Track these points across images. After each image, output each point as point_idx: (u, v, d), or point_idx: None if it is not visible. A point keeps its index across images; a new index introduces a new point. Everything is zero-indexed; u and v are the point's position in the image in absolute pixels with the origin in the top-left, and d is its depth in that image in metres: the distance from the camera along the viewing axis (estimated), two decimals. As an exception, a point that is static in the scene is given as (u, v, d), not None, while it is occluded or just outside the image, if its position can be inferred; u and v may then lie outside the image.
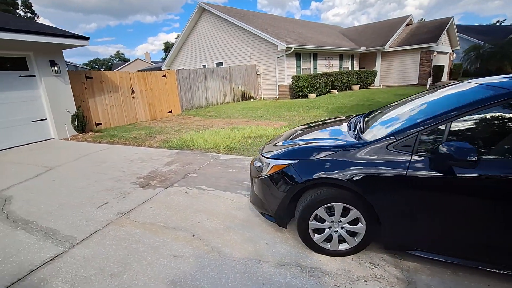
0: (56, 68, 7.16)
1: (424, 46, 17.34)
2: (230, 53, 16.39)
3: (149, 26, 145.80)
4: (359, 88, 16.87)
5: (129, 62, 48.37)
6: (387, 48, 17.90)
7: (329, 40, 17.49)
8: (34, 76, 7.02)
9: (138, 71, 11.03)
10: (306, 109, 10.44)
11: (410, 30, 19.87)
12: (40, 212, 3.30)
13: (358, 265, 2.24)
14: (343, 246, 2.31)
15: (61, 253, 2.49)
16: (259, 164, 2.78)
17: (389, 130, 2.19)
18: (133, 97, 9.91)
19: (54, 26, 7.50)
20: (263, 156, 2.68)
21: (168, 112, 11.35)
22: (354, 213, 2.18)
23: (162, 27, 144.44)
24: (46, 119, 7.33)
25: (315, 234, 2.32)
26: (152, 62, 49.15)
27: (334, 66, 17.24)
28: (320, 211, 2.23)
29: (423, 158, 1.92)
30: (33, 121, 7.08)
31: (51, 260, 2.40)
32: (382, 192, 2.02)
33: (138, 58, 49.21)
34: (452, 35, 20.90)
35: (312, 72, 15.39)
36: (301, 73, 14.59)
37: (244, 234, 2.70)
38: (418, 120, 2.04)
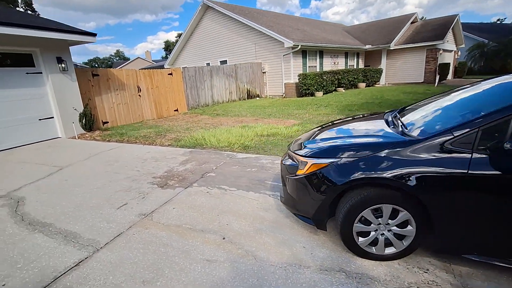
0: (63, 65, 6.99)
1: (430, 44, 17.16)
2: (235, 51, 16.21)
3: (149, 25, 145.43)
4: (365, 86, 16.71)
5: (129, 61, 48.15)
6: (392, 46, 17.73)
7: (335, 38, 17.33)
8: (41, 73, 6.84)
9: (140, 69, 10.85)
10: (315, 107, 10.28)
11: (415, 28, 19.70)
12: (56, 214, 3.14)
13: (407, 270, 2.09)
14: (389, 250, 2.16)
15: (85, 258, 2.33)
16: (290, 162, 2.63)
17: (442, 126, 2.04)
18: (139, 95, 9.74)
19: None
20: (297, 154, 2.53)
21: (174, 110, 11.18)
22: (404, 215, 2.02)
23: (161, 26, 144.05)
24: (53, 117, 7.16)
25: (359, 237, 2.17)
26: (152, 60, 48.93)
27: (340, 64, 17.08)
28: (367, 213, 2.08)
29: (485, 156, 1.77)
30: (40, 120, 6.91)
31: (75, 266, 2.25)
32: (440, 192, 1.87)
33: (138, 57, 48.97)
34: (457, 33, 20.76)
35: (318, 70, 15.24)
36: (307, 71, 14.43)
37: (277, 237, 2.55)
38: (477, 115, 1.88)
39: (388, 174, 1.95)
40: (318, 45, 14.38)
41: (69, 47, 7.37)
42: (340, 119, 3.64)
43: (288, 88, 14.10)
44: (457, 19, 19.34)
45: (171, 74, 10.91)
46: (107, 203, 3.35)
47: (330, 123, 3.38)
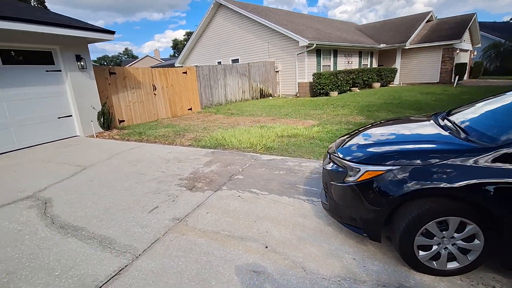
0: (82, 63, 6.94)
1: (446, 43, 16.78)
2: (247, 50, 16.07)
3: (156, 23, 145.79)
4: (380, 86, 16.43)
5: (138, 59, 48.43)
6: (408, 45, 17.38)
7: (348, 36, 17.06)
8: (60, 71, 6.80)
9: (150, 67, 10.79)
10: (332, 107, 10.09)
11: (431, 26, 19.30)
12: (87, 217, 3.06)
13: (471, 287, 1.93)
14: (451, 265, 2.00)
15: (125, 266, 2.23)
16: (333, 167, 2.49)
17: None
18: (154, 93, 9.68)
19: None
20: (345, 159, 2.37)
21: (188, 109, 11.11)
22: (472, 228, 1.87)
23: (168, 25, 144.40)
24: (71, 115, 7.13)
25: (420, 251, 2.02)
26: (161, 59, 49.10)
27: (354, 63, 16.81)
28: (431, 226, 1.92)
29: None
30: (59, 118, 6.88)
31: (116, 274, 2.14)
32: (519, 205, 1.71)
33: (147, 55, 49.24)
34: (474, 32, 20.27)
35: (332, 69, 15.01)
36: (321, 70, 14.23)
37: (323, 246, 2.41)
38: None
39: (457, 185, 1.80)
40: (333, 44, 14.16)
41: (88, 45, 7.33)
42: (380, 121, 3.48)
43: (302, 87, 13.91)
44: (474, 17, 18.88)
45: (185, 72, 10.83)
46: (137, 206, 3.26)
47: (373, 124, 3.22)
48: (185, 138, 6.54)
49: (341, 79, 13.50)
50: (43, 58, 6.58)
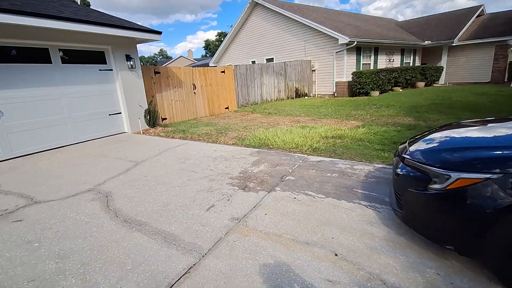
0: (131, 63, 7.23)
1: (500, 40, 15.40)
2: (282, 49, 15.92)
3: (188, 25, 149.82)
4: (424, 86, 15.48)
5: (173, 60, 50.15)
6: (456, 42, 16.20)
7: (390, 33, 16.27)
8: (112, 70, 7.14)
9: (191, 66, 11.00)
10: (374, 107, 9.64)
11: (482, 22, 17.83)
12: (148, 212, 3.12)
13: None
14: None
15: (194, 265, 2.21)
16: (408, 171, 2.30)
17: None
18: (194, 92, 9.87)
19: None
20: (426, 164, 2.17)
21: (225, 108, 11.21)
22: None
23: (200, 26, 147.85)
24: (120, 113, 7.46)
25: (522, 271, 1.78)
26: (194, 59, 50.41)
27: (395, 61, 16.00)
28: (541, 243, 1.68)
29: None
30: (110, 115, 7.23)
31: (186, 273, 2.13)
32: None
33: (181, 56, 50.81)
34: (531, 27, 18.41)
35: (372, 67, 14.40)
36: (361, 69, 13.69)
37: (398, 258, 2.22)
38: None
39: None
40: (374, 41, 13.56)
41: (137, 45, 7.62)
42: (454, 123, 3.18)
43: (340, 87, 13.48)
44: (532, 11, 17.17)
45: (223, 72, 10.93)
46: (193, 204, 3.27)
47: (447, 126, 2.95)
48: (228, 136, 6.56)
49: (383, 78, 12.89)
50: (96, 58, 6.94)
